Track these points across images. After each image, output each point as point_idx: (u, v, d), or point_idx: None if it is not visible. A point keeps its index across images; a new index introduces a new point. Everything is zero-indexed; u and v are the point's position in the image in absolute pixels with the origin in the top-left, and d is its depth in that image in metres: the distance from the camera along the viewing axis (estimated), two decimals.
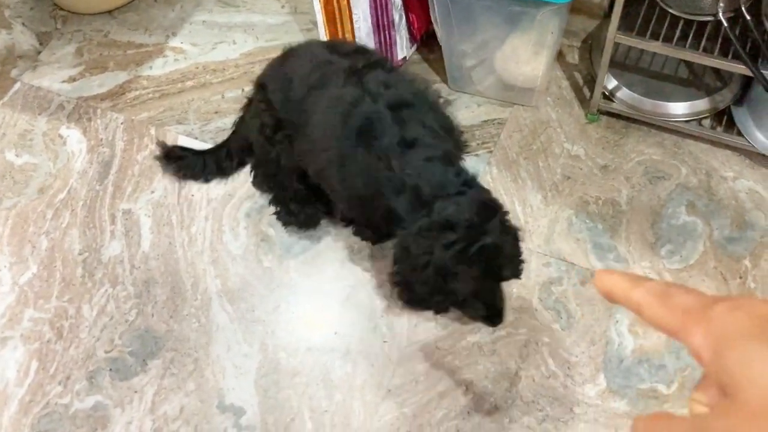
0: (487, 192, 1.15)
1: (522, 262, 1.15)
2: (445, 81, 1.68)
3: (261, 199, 1.51)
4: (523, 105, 1.62)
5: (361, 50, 1.31)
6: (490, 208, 1.11)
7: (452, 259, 1.06)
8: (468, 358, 1.31)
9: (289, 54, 1.33)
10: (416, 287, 1.16)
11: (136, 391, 1.31)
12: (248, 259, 1.45)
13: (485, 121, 1.61)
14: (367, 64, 1.21)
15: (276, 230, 1.48)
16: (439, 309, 1.27)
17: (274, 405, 1.28)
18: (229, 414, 1.28)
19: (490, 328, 1.28)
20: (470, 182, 1.14)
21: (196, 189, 1.55)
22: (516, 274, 1.14)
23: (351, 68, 1.20)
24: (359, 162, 1.15)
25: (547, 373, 1.29)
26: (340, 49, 1.28)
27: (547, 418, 1.24)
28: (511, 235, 1.12)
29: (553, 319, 1.34)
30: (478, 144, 1.57)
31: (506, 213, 1.14)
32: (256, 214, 1.50)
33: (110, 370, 1.33)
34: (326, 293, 1.41)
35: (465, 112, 1.63)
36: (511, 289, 1.36)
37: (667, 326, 0.34)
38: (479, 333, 1.32)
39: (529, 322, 1.34)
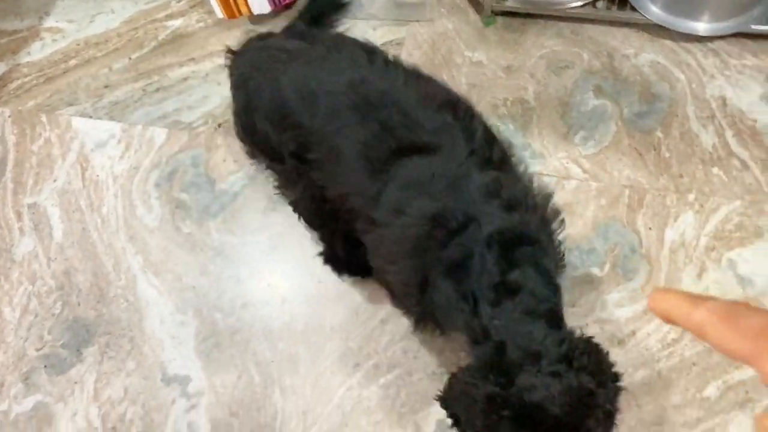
0: (591, 368, 0.83)
1: None
2: None
3: (167, 166, 1.46)
4: (418, 21, 1.58)
5: (452, 98, 0.98)
6: (588, 405, 0.81)
7: None
8: None
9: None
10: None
11: (75, 382, 1.27)
12: (166, 229, 1.40)
13: (383, 44, 1.57)
14: (474, 149, 0.90)
15: (190, 194, 1.43)
16: None
17: (219, 366, 1.26)
18: (174, 385, 1.25)
19: None
20: (571, 355, 0.83)
21: (99, 168, 1.48)
22: None
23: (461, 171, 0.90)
24: (442, 294, 0.91)
25: None
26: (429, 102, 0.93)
27: None
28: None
29: None
30: None
31: (612, 396, 0.84)
32: (165, 182, 1.45)
33: (45, 367, 1.29)
34: (253, 246, 1.38)
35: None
36: None
37: (736, 351, 0.31)
38: None
39: None
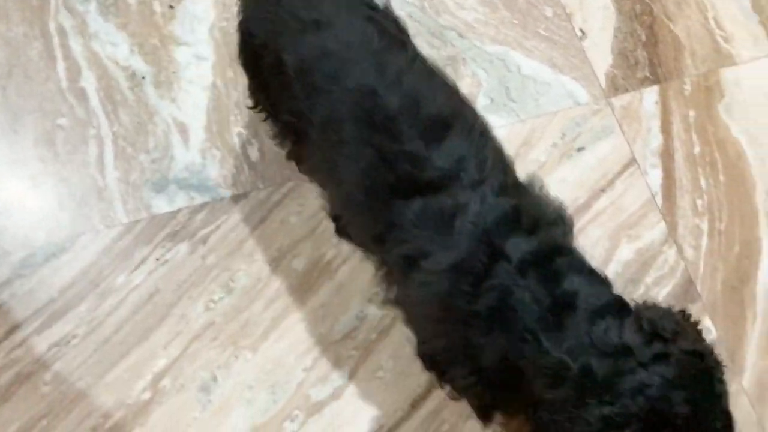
0: (698, 344, 0.75)
1: None
2: None
3: None
4: None
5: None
6: (709, 385, 0.72)
7: None
8: None
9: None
10: None
11: None
12: None
13: None
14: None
15: None
16: None
17: None
18: None
19: None
20: (658, 330, 0.74)
21: None
22: None
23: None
24: (496, 348, 0.81)
25: None
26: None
27: None
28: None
29: None
30: None
31: (722, 373, 0.74)
32: None
33: None
34: None
35: None
36: None
37: None
38: None
39: None
